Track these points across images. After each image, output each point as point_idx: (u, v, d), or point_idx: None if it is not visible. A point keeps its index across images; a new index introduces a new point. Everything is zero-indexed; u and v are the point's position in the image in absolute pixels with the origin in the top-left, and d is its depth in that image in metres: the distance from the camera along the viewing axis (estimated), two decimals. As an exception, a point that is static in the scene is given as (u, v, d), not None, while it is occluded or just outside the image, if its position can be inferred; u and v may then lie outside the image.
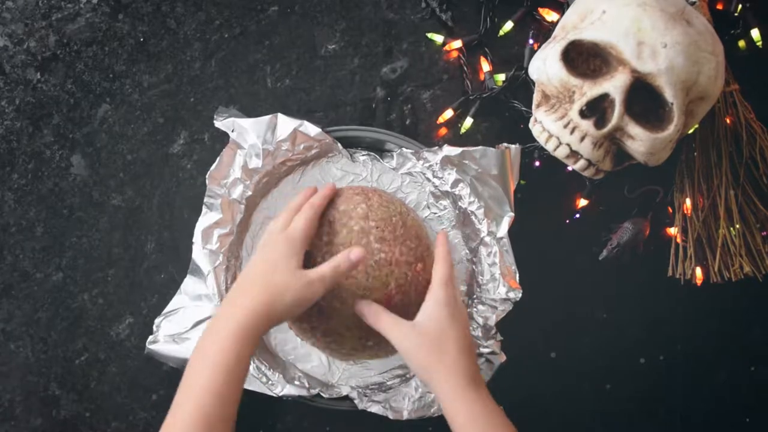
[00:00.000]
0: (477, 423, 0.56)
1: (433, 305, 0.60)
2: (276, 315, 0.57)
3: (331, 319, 0.63)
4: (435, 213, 0.73)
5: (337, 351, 0.66)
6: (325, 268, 0.59)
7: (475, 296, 0.71)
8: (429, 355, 0.58)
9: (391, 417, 0.66)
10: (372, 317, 0.60)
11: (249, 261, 0.62)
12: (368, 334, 0.64)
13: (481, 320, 0.69)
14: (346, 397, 0.68)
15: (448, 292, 0.61)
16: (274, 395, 0.66)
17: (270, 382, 0.66)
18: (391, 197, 0.69)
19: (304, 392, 0.66)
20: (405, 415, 0.66)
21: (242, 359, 0.56)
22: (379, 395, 0.68)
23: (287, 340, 0.71)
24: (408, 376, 0.70)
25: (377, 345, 0.65)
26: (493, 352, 0.68)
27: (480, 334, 0.69)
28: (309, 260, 0.63)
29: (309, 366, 0.71)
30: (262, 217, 0.73)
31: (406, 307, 0.64)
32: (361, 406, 0.67)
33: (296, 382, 0.67)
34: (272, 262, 0.59)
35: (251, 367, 0.66)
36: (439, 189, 0.72)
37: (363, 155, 0.73)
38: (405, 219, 0.66)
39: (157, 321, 0.69)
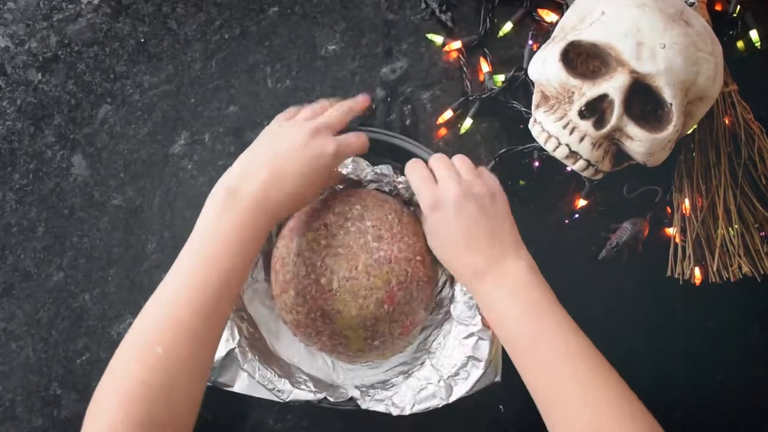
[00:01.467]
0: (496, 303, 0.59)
1: (437, 193, 0.62)
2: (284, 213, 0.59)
3: (336, 323, 0.63)
4: None
5: (343, 353, 0.66)
6: (343, 148, 0.62)
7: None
8: (442, 246, 0.62)
9: (394, 413, 0.66)
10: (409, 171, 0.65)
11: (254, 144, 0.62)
12: (374, 334, 0.64)
13: (466, 297, 0.69)
14: (351, 399, 0.68)
15: (448, 193, 0.62)
16: (281, 401, 0.66)
17: (276, 389, 0.66)
18: (385, 196, 0.69)
19: (311, 396, 0.66)
20: (408, 410, 0.66)
21: (250, 252, 0.57)
22: (381, 393, 0.68)
23: (292, 342, 0.71)
24: (412, 371, 0.70)
25: (383, 345, 0.66)
26: (482, 329, 0.67)
27: (465, 311, 0.69)
28: (308, 266, 0.64)
29: (314, 368, 0.71)
30: None
31: (409, 303, 0.64)
32: (364, 406, 0.67)
33: (303, 387, 0.67)
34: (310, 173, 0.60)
35: (257, 375, 0.66)
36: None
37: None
38: (401, 216, 0.67)
39: None
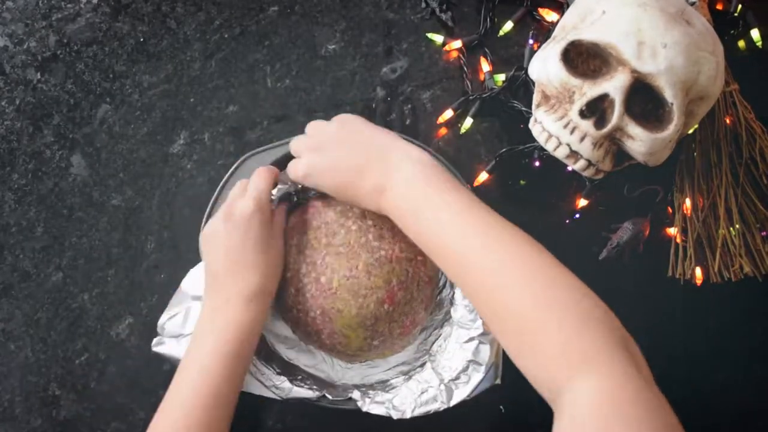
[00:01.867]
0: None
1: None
2: (271, 286, 0.61)
3: (335, 322, 0.63)
4: None
5: (343, 352, 0.66)
6: (277, 216, 0.64)
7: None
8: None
9: (394, 417, 0.66)
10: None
11: (215, 252, 0.62)
12: (373, 333, 0.64)
13: (466, 301, 0.69)
14: (350, 399, 0.68)
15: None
16: (280, 399, 0.66)
17: (275, 386, 0.66)
18: None
19: (309, 394, 0.66)
20: (408, 414, 0.66)
21: (242, 359, 0.57)
22: (382, 395, 0.67)
23: (291, 340, 0.71)
24: (412, 373, 0.69)
25: (383, 344, 0.65)
26: (483, 333, 0.67)
27: (466, 315, 0.68)
28: (308, 264, 0.64)
29: (313, 366, 0.70)
30: None
31: (409, 303, 0.64)
32: (364, 408, 0.67)
33: (301, 385, 0.67)
34: (255, 239, 0.60)
35: (256, 372, 0.67)
36: None
37: None
38: None
39: (160, 322, 0.69)
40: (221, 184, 0.70)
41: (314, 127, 0.62)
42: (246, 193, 0.62)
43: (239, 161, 0.71)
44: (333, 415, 0.72)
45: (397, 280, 0.63)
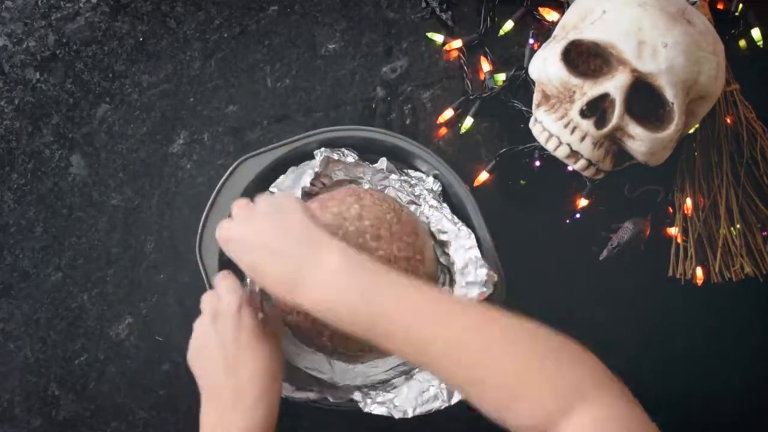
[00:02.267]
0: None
1: None
2: (277, 368, 0.57)
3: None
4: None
5: (344, 354, 0.66)
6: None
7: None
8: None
9: (396, 416, 0.65)
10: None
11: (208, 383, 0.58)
12: None
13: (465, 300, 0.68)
14: (351, 400, 0.68)
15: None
16: (282, 397, 0.66)
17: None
18: (383, 195, 0.69)
19: (311, 396, 0.66)
20: (410, 413, 0.66)
21: None
22: (383, 396, 0.67)
23: (291, 343, 0.70)
24: (413, 373, 0.69)
25: (382, 345, 0.65)
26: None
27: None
28: None
29: (314, 367, 0.70)
30: None
31: None
32: (366, 409, 0.66)
33: (303, 386, 0.67)
34: (249, 329, 0.57)
35: None
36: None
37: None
38: (399, 215, 0.66)
39: None
40: (218, 187, 0.69)
41: (256, 200, 0.58)
42: (221, 294, 0.58)
43: (236, 164, 0.69)
44: (333, 415, 0.72)
45: None
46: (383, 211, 0.66)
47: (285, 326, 0.69)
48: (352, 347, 0.65)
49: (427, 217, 0.70)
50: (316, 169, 0.68)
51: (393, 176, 0.70)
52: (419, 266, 0.65)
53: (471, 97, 0.76)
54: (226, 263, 0.69)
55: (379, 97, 0.77)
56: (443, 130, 0.76)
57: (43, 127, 0.76)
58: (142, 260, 0.74)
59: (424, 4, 0.77)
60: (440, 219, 0.69)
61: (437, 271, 0.70)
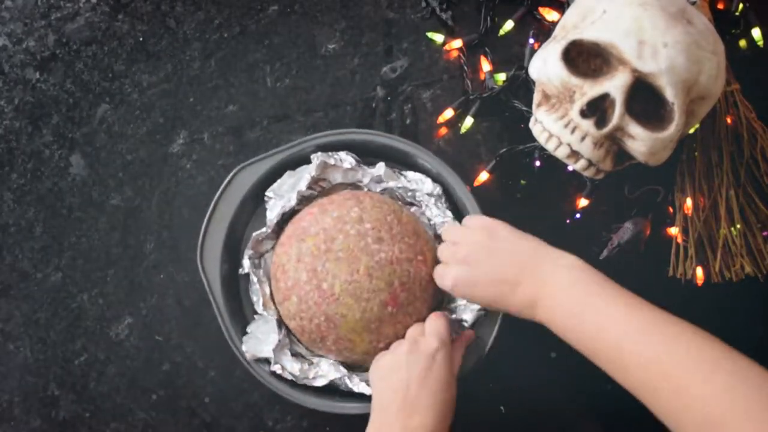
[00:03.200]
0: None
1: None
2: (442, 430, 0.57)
3: (340, 327, 0.63)
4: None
5: (350, 357, 0.66)
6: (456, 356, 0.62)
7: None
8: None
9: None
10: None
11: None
12: (378, 336, 0.64)
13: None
14: (330, 385, 0.67)
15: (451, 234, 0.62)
16: (307, 379, 0.66)
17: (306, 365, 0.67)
18: (383, 197, 0.69)
19: (337, 375, 0.66)
20: None
21: None
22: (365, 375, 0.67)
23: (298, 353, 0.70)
24: None
25: (388, 346, 0.65)
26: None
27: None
28: (308, 272, 0.64)
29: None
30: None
31: (413, 303, 0.64)
32: (350, 385, 0.66)
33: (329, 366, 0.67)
34: (437, 377, 0.58)
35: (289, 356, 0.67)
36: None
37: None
38: (400, 216, 0.66)
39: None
40: (216, 197, 0.68)
41: (457, 234, 0.62)
42: (426, 331, 0.61)
43: (232, 174, 0.69)
44: (332, 416, 0.72)
45: (398, 282, 0.63)
46: (384, 213, 0.66)
47: (292, 333, 0.69)
48: (358, 350, 0.65)
49: (429, 219, 0.70)
50: (313, 174, 0.68)
51: (392, 181, 0.70)
52: (422, 267, 0.65)
53: (471, 96, 0.76)
54: (227, 273, 0.69)
55: (379, 97, 0.77)
56: (443, 130, 0.76)
57: (43, 127, 0.75)
58: (142, 260, 0.74)
59: (424, 4, 0.77)
60: (442, 220, 0.69)
61: None
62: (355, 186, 0.71)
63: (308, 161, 0.70)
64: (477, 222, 0.62)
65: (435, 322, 0.61)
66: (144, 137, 0.76)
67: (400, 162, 0.72)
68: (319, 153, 0.69)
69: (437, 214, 0.69)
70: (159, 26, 0.77)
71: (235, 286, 0.70)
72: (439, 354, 0.58)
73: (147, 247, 0.74)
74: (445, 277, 0.61)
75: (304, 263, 0.64)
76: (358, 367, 0.69)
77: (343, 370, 0.66)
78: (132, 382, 0.73)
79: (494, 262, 0.58)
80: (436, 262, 0.68)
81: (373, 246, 0.63)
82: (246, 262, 0.69)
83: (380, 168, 0.70)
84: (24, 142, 0.75)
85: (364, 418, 0.69)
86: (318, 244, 0.64)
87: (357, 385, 0.66)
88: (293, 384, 0.67)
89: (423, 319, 0.67)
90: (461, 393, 0.68)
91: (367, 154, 0.71)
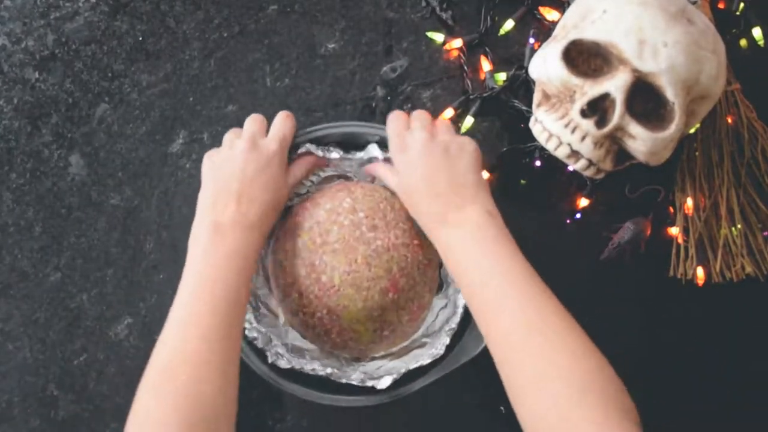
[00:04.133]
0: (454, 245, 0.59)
1: (399, 141, 0.64)
2: (267, 227, 0.62)
3: (343, 318, 0.63)
4: None
5: (355, 348, 0.66)
6: (295, 170, 0.66)
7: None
8: (407, 193, 0.63)
9: (393, 378, 0.65)
10: (372, 168, 0.68)
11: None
12: (383, 324, 0.64)
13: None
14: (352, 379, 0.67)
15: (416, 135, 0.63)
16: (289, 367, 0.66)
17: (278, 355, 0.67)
18: (374, 186, 0.69)
19: (320, 370, 0.66)
20: (412, 366, 0.66)
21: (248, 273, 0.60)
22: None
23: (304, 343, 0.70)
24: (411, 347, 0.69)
25: (393, 333, 0.66)
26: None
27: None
28: (307, 267, 0.64)
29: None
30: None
31: (413, 288, 0.65)
32: (366, 383, 0.66)
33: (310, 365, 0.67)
34: (268, 178, 0.63)
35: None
36: None
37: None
38: (392, 203, 0.67)
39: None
40: None
41: (442, 124, 0.65)
42: (270, 133, 0.65)
43: None
44: (332, 415, 0.72)
45: (397, 267, 0.63)
46: (376, 201, 0.66)
47: (295, 329, 0.69)
48: (363, 339, 0.65)
49: None
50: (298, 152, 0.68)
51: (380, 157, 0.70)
52: (419, 251, 0.65)
53: (471, 96, 0.75)
54: None
55: (379, 97, 0.77)
56: (443, 130, 0.76)
57: (42, 126, 0.75)
58: (142, 260, 0.74)
59: (424, 4, 0.77)
60: None
61: (437, 252, 0.70)
62: (345, 177, 0.72)
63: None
64: (464, 137, 0.64)
65: (281, 125, 0.66)
66: (143, 137, 0.76)
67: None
68: (307, 145, 0.69)
69: None
70: (158, 26, 0.77)
71: None
72: (276, 158, 0.63)
73: (146, 247, 0.74)
74: (388, 178, 0.65)
75: (302, 258, 0.64)
76: (364, 358, 0.69)
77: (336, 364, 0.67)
78: (131, 382, 0.72)
79: (442, 169, 0.61)
80: (431, 245, 0.68)
81: (369, 234, 0.63)
82: None
83: (372, 149, 0.70)
84: (23, 142, 0.75)
85: (363, 418, 0.69)
86: (313, 238, 0.64)
87: (355, 373, 0.66)
88: (290, 374, 0.66)
89: (425, 304, 0.67)
90: (461, 392, 0.69)
91: (357, 149, 0.71)
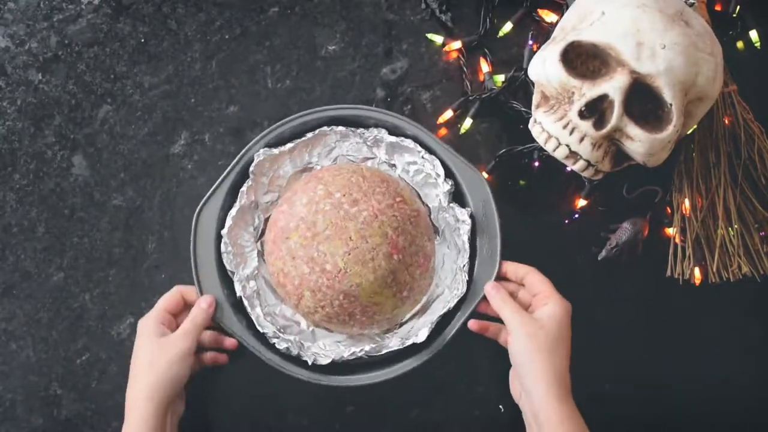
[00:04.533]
0: (568, 425, 0.58)
1: (556, 307, 0.62)
2: (163, 389, 0.62)
3: (360, 297, 0.64)
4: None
5: (382, 319, 0.67)
6: (185, 325, 0.65)
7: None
8: (540, 350, 0.60)
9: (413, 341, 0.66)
10: (497, 301, 0.64)
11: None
12: (399, 287, 0.66)
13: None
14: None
15: (569, 305, 0.63)
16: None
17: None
18: (338, 165, 0.71)
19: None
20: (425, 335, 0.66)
21: None
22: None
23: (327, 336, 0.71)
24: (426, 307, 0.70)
25: (411, 291, 0.67)
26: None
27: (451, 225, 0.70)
28: (307, 263, 0.64)
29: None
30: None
31: (413, 242, 0.66)
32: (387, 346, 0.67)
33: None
34: (137, 355, 0.65)
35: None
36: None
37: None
38: (362, 172, 0.68)
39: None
40: (191, 243, 0.68)
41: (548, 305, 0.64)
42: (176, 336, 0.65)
43: (194, 217, 0.69)
44: (332, 415, 0.73)
45: (391, 229, 0.65)
46: (346, 178, 0.67)
47: (318, 327, 0.70)
48: (386, 308, 0.66)
49: (387, 163, 0.72)
50: (251, 168, 0.68)
51: (343, 143, 0.71)
52: (405, 207, 0.67)
53: (470, 98, 0.76)
54: (235, 305, 0.69)
55: (379, 98, 0.77)
56: (443, 131, 0.76)
57: (45, 127, 0.76)
58: (144, 260, 0.75)
59: (423, 6, 0.78)
60: (403, 158, 0.71)
61: (420, 203, 0.71)
62: (306, 169, 0.72)
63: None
64: (564, 308, 0.63)
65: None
66: (145, 138, 0.76)
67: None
68: (262, 150, 0.69)
69: (392, 142, 0.70)
70: (160, 28, 0.77)
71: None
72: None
73: (148, 247, 0.75)
74: (559, 305, 0.63)
75: (299, 258, 0.65)
76: (394, 328, 0.70)
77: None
78: (133, 382, 0.73)
79: (555, 354, 0.61)
80: (411, 196, 0.69)
81: (352, 210, 0.65)
82: (238, 286, 0.68)
83: (326, 133, 0.70)
84: (26, 143, 0.76)
85: (363, 417, 0.69)
86: (303, 234, 0.65)
87: (392, 340, 0.67)
88: (333, 368, 0.67)
89: (429, 252, 0.69)
90: (461, 392, 0.69)
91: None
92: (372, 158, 0.72)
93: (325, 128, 0.70)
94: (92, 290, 0.74)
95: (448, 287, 0.69)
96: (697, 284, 0.73)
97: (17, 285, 0.74)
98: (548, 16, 0.76)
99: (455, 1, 0.78)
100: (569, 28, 0.67)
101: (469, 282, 0.67)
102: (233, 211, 0.69)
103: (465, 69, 0.77)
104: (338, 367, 0.67)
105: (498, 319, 0.65)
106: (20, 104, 0.76)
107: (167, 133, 0.76)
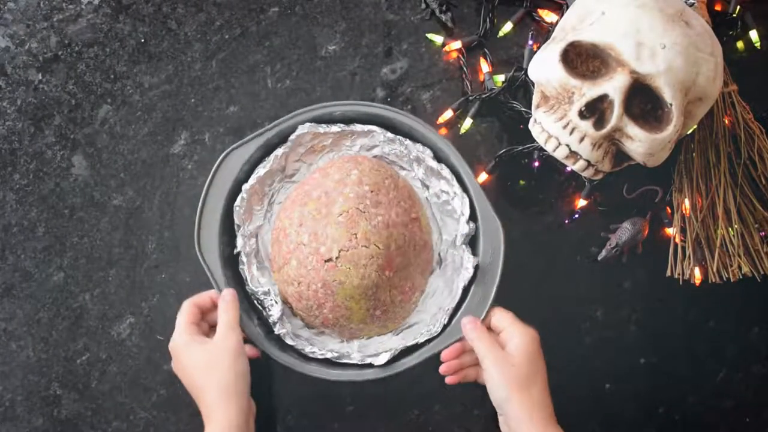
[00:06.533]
0: None
1: (526, 339, 0.62)
2: (235, 385, 0.61)
3: (337, 294, 0.64)
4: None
5: (346, 326, 0.67)
6: (222, 321, 0.63)
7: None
8: (517, 385, 0.61)
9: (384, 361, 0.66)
10: (472, 333, 0.63)
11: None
12: (375, 303, 0.65)
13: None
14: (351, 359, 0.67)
15: (533, 331, 0.63)
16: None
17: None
18: (380, 162, 0.70)
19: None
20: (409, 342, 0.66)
21: None
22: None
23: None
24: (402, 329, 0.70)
25: (385, 314, 0.66)
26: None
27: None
28: (309, 234, 0.64)
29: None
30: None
31: (407, 267, 0.66)
32: (364, 361, 0.67)
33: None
34: (189, 369, 0.63)
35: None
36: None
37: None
38: (396, 181, 0.68)
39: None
40: (207, 183, 0.69)
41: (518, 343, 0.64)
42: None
43: (222, 156, 0.69)
44: (332, 415, 0.73)
45: (395, 245, 0.64)
46: (381, 177, 0.67)
47: (287, 304, 0.69)
48: (354, 318, 0.66)
49: (422, 182, 0.71)
50: (292, 137, 0.68)
51: (387, 145, 0.71)
52: (416, 231, 0.67)
53: (470, 98, 0.76)
54: (228, 259, 0.69)
55: (379, 98, 0.77)
56: (443, 131, 0.76)
57: (45, 127, 0.76)
58: (144, 260, 0.75)
59: (423, 6, 0.78)
60: (438, 184, 0.70)
61: (432, 235, 0.71)
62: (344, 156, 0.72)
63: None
64: (530, 337, 0.63)
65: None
66: (145, 138, 0.76)
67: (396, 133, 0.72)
68: (307, 123, 0.69)
69: (433, 168, 0.69)
70: (160, 28, 0.77)
71: (235, 266, 0.70)
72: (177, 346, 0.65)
73: (148, 247, 0.75)
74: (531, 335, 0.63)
75: (306, 227, 0.65)
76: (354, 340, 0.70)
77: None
78: (133, 381, 0.74)
79: (531, 387, 0.62)
80: (428, 225, 0.68)
81: (372, 209, 0.64)
82: (240, 241, 0.68)
83: (375, 132, 0.70)
84: (26, 143, 0.76)
85: (363, 417, 0.69)
86: (319, 207, 0.65)
87: (354, 353, 0.67)
88: (297, 354, 0.67)
89: (417, 286, 0.68)
90: (461, 392, 0.69)
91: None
92: (409, 170, 0.72)
93: (375, 127, 0.70)
94: (92, 290, 0.74)
95: (425, 322, 0.69)
96: (697, 284, 0.73)
97: (17, 285, 0.74)
98: (548, 16, 0.76)
99: (455, 1, 0.78)
100: (569, 28, 0.67)
101: (446, 326, 0.67)
102: (260, 170, 0.68)
103: (465, 69, 0.77)
104: (333, 362, 0.67)
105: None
106: (20, 104, 0.76)
107: (167, 133, 0.76)
